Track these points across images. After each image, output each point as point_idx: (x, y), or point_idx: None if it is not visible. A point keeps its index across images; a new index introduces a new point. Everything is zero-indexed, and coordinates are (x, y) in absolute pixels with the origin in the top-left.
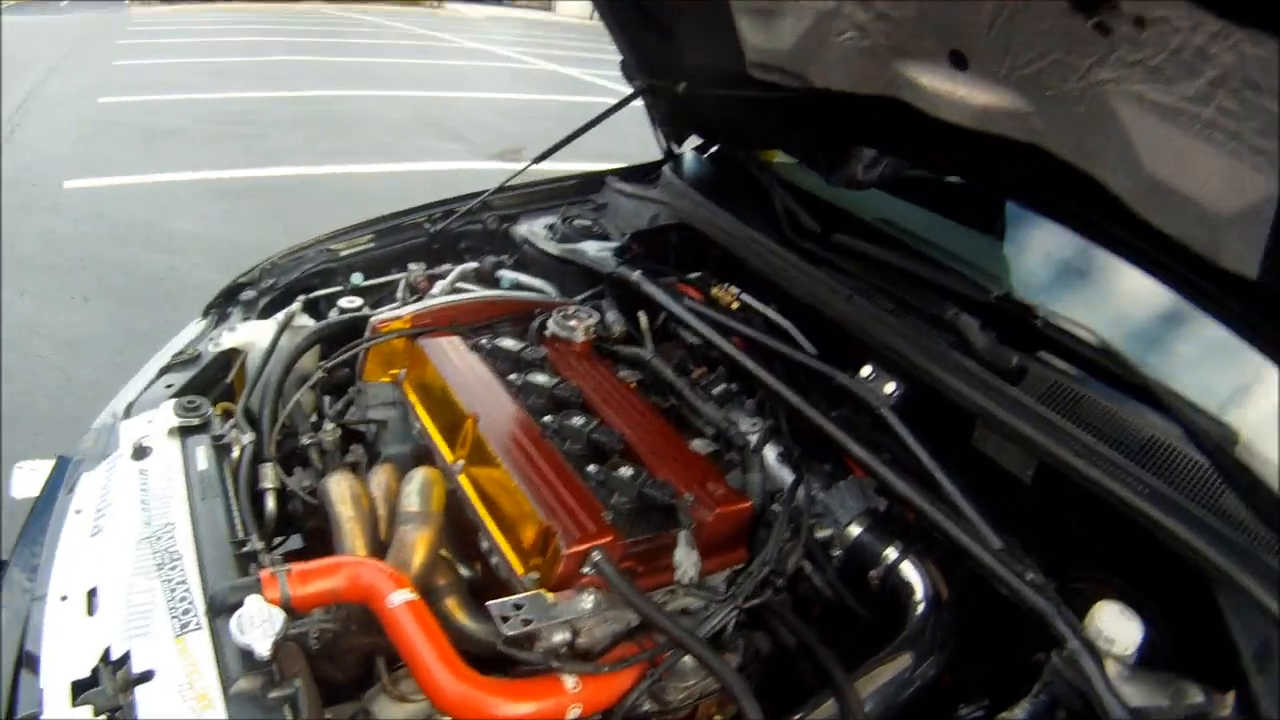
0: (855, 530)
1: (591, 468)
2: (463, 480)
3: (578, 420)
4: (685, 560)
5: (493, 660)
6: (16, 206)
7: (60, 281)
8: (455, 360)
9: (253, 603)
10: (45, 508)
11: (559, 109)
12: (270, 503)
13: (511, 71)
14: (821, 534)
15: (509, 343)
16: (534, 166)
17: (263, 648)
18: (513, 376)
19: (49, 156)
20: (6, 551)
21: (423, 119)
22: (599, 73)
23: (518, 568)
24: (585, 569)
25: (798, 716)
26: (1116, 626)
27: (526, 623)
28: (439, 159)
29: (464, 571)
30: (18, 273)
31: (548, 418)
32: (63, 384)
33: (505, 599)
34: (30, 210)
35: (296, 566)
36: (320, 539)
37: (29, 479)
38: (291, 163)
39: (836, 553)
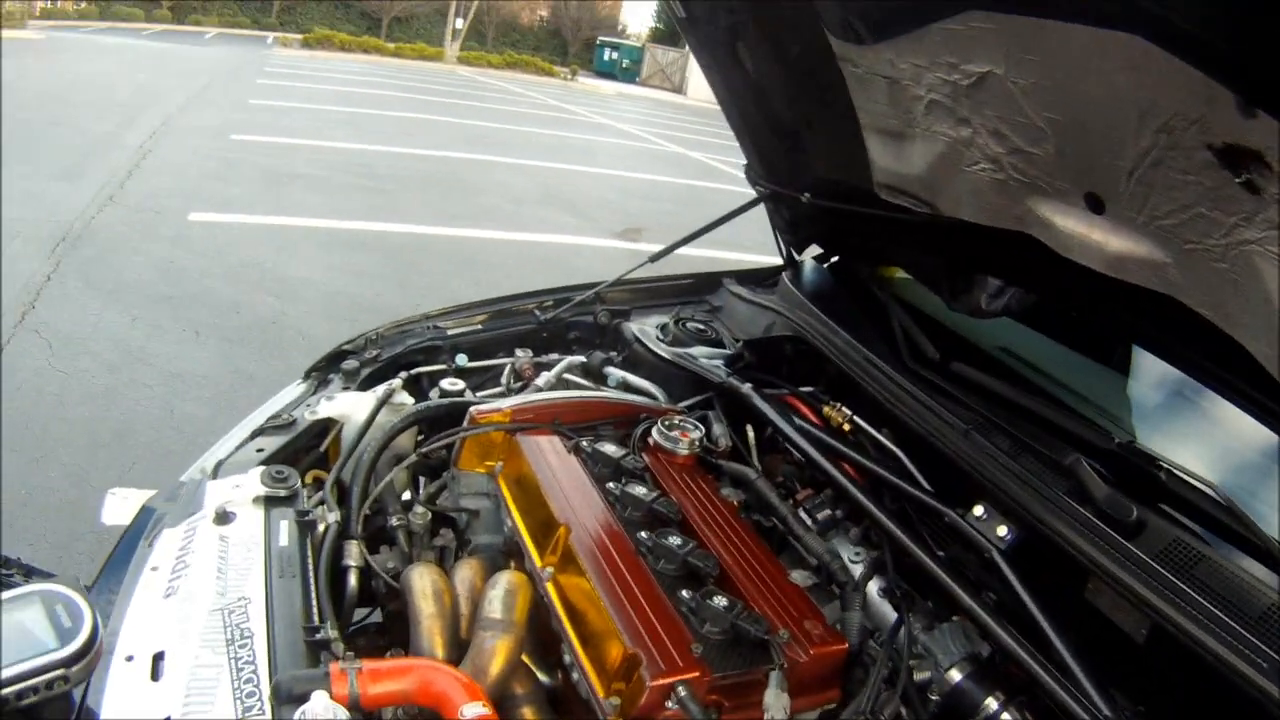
0: (956, 676)
1: (684, 593)
2: (550, 588)
3: (674, 540)
4: (775, 703)
5: None
6: (141, 232)
7: (174, 312)
8: (553, 461)
9: (319, 700)
10: (125, 555)
11: (682, 192)
12: (353, 580)
13: (638, 150)
14: (920, 676)
15: (610, 448)
16: (652, 251)
17: None
18: (611, 485)
19: (177, 187)
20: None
21: (546, 190)
22: (724, 159)
23: (599, 690)
24: (669, 703)
25: None
26: None
27: None
28: (559, 232)
29: (543, 678)
30: (133, 298)
31: (643, 534)
32: (164, 415)
33: None
34: (153, 238)
35: (368, 664)
36: (400, 621)
37: (121, 506)
38: (412, 220)
39: (934, 697)
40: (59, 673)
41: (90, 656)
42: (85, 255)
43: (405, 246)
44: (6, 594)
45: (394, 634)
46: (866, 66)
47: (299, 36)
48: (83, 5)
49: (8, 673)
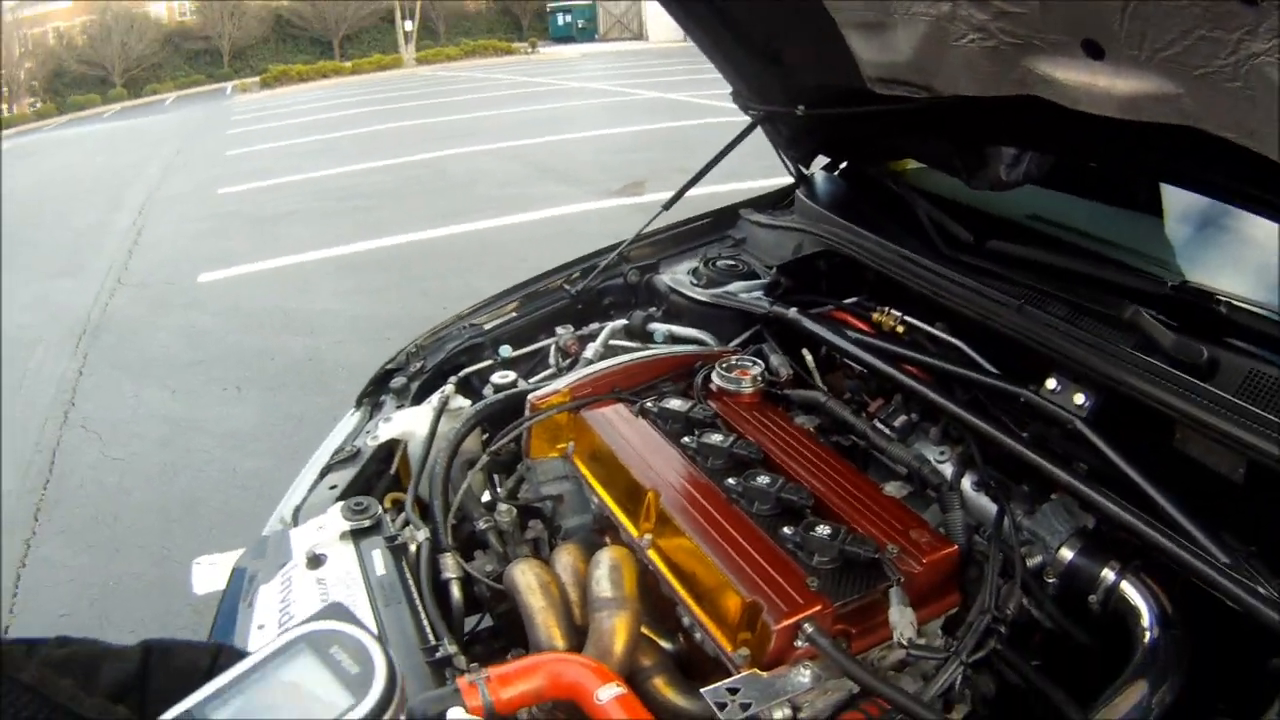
0: (1068, 554)
1: (786, 530)
2: (652, 554)
3: (763, 479)
4: (900, 620)
5: None
6: (156, 306)
7: (209, 375)
8: (623, 429)
9: (455, 716)
10: (228, 620)
11: (671, 135)
12: (455, 591)
13: (614, 105)
14: (1032, 562)
15: (675, 403)
16: (661, 201)
17: None
18: (686, 440)
19: (179, 253)
20: None
21: (537, 166)
22: (703, 93)
23: (726, 645)
24: (798, 641)
25: None
26: None
27: (745, 707)
28: (561, 204)
29: (666, 645)
30: (166, 372)
31: (730, 480)
32: (226, 476)
33: (719, 684)
34: (169, 307)
35: (495, 670)
36: (512, 620)
37: (210, 574)
38: (412, 229)
39: (1051, 580)
40: None
41: (395, 704)
42: (108, 342)
43: (413, 255)
44: (266, 649)
45: (508, 635)
46: None
47: (256, 79)
48: (39, 105)
49: None
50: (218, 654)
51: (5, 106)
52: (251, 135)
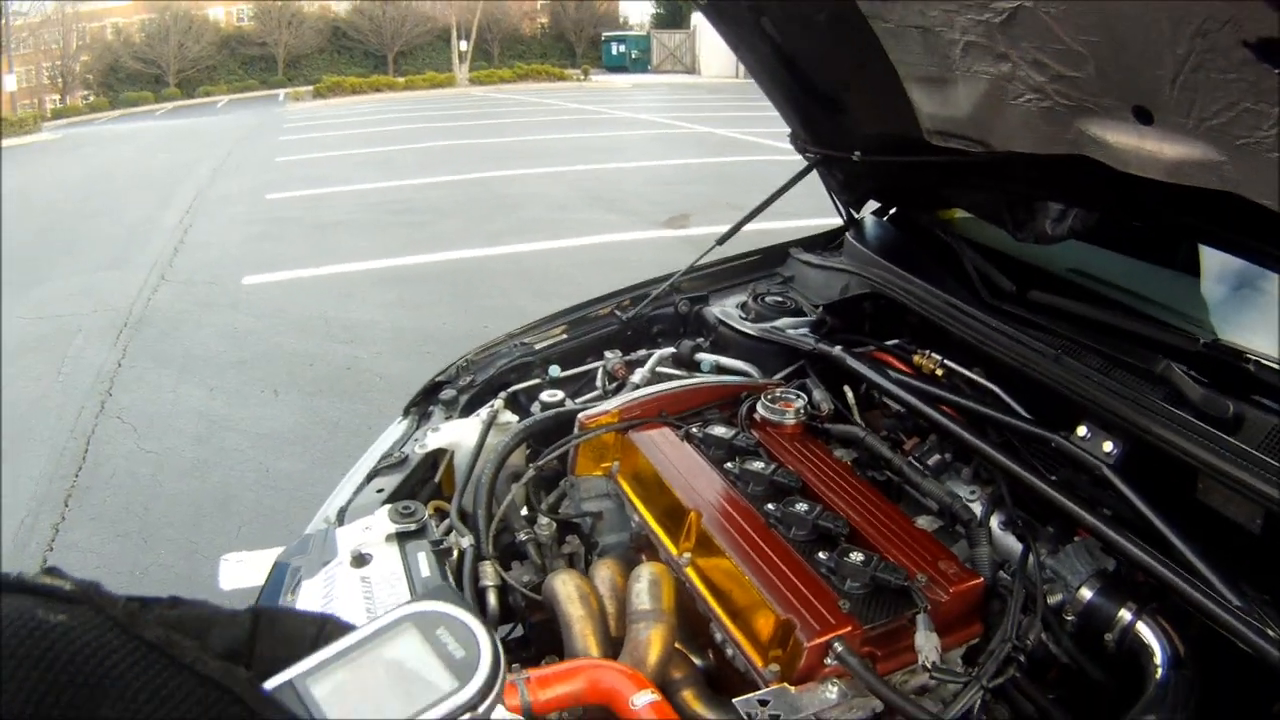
0: (1087, 594)
1: (821, 555)
2: (690, 572)
3: (801, 507)
4: (926, 644)
5: None
6: (199, 304)
7: (248, 376)
8: (669, 452)
9: (496, 713)
10: None
11: (718, 170)
12: (492, 599)
13: (664, 137)
14: (1053, 600)
15: (720, 430)
16: (711, 235)
17: None
18: (728, 465)
19: (225, 254)
20: None
21: (584, 193)
22: (752, 131)
23: (757, 660)
24: (827, 660)
25: None
26: None
27: (774, 718)
28: (606, 231)
29: (697, 661)
30: (206, 370)
31: (770, 506)
32: (260, 477)
33: (750, 695)
34: (213, 307)
35: (535, 672)
36: (543, 631)
37: (238, 570)
38: (460, 246)
39: (1070, 618)
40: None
41: (498, 691)
42: (149, 336)
43: (459, 272)
44: (371, 625)
45: (538, 645)
46: (897, 20)
47: (309, 88)
48: (92, 99)
49: None
50: (323, 625)
51: (57, 98)
52: (303, 143)
